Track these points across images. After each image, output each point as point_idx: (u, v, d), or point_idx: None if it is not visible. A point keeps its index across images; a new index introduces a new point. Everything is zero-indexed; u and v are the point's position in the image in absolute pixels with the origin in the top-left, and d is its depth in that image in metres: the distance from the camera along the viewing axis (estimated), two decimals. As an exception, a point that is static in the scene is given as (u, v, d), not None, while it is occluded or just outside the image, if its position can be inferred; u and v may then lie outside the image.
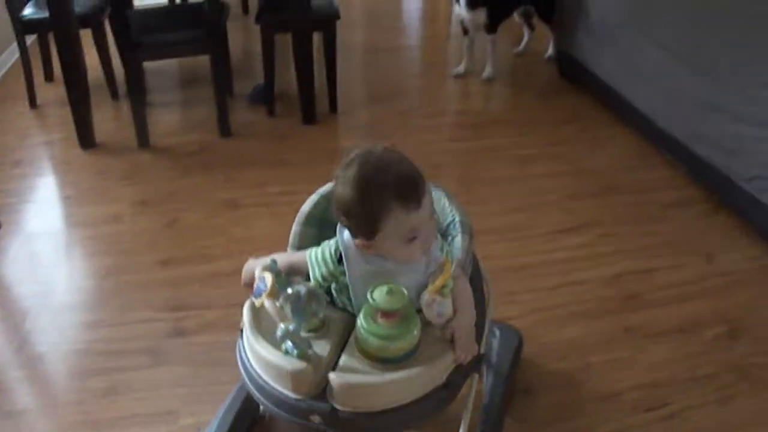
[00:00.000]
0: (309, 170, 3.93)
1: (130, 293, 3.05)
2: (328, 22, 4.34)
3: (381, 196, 1.69)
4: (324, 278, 1.87)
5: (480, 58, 5.30)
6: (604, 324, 2.93)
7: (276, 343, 1.70)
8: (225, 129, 4.26)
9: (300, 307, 1.69)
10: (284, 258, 1.92)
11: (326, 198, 2.07)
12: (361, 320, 1.73)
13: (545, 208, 3.70)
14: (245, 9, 6.30)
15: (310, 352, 1.68)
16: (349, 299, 1.89)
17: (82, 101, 4.03)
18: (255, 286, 1.75)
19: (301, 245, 2.04)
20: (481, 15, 4.97)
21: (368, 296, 1.69)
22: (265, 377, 1.73)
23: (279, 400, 1.69)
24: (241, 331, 1.85)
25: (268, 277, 1.73)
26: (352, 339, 1.78)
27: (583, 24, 4.81)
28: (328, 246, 1.87)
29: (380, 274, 1.78)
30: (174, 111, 4.64)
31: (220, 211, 3.58)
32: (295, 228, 2.11)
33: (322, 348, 1.75)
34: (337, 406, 1.65)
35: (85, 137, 4.13)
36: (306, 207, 2.13)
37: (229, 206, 3.61)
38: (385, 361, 1.71)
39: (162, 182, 3.81)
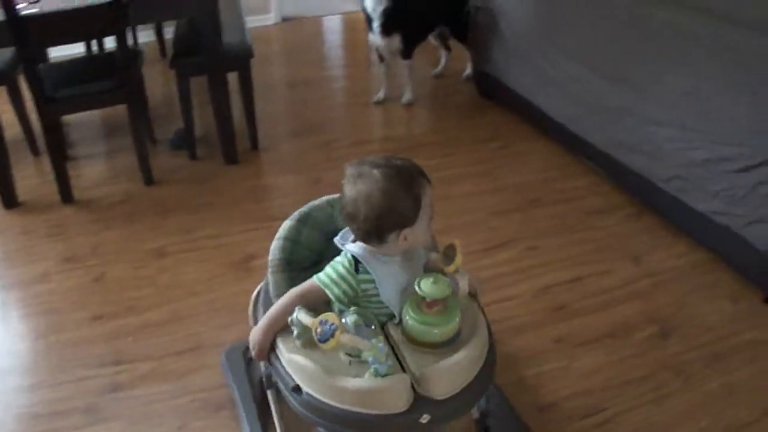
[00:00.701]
0: (233, 211, 3.92)
1: (63, 352, 2.99)
2: (241, 61, 4.34)
3: (414, 178, 1.88)
4: (345, 293, 1.93)
5: (399, 84, 5.35)
6: (535, 337, 2.96)
7: (355, 373, 1.80)
8: (148, 177, 4.22)
9: (364, 328, 1.83)
10: (296, 302, 1.95)
11: (290, 240, 2.17)
12: (410, 313, 1.89)
13: (471, 227, 3.73)
14: (163, 52, 6.25)
15: (391, 362, 1.79)
16: (374, 303, 1.97)
17: (1, 160, 3.98)
18: (318, 332, 1.76)
19: (281, 293, 2.06)
20: (396, 41, 5.00)
21: (416, 287, 1.85)
22: (367, 410, 1.77)
23: (388, 422, 1.76)
24: (297, 389, 1.87)
25: (330, 317, 1.76)
26: (398, 337, 1.92)
27: (497, 41, 4.89)
28: (339, 263, 1.95)
29: (398, 272, 1.95)
30: (97, 162, 4.59)
31: (147, 261, 3.54)
32: (272, 277, 2.15)
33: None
34: (438, 397, 1.78)
35: (7, 196, 4.06)
36: (277, 254, 2.17)
37: (156, 255, 3.57)
38: (440, 346, 1.88)
39: (87, 236, 3.76)
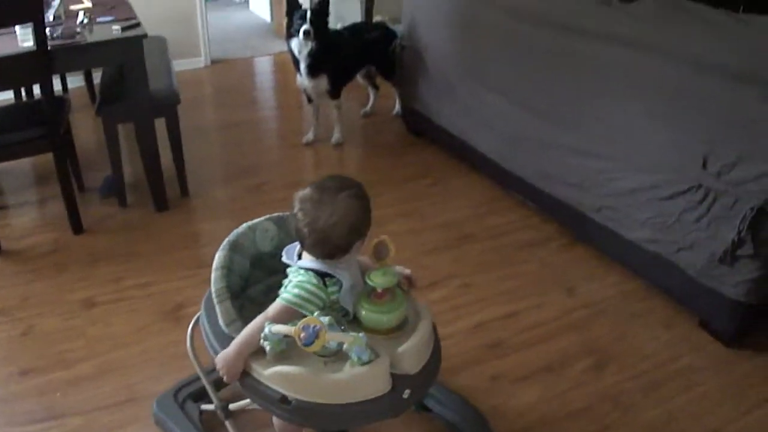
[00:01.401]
0: (163, 259, 3.85)
1: (-9, 410, 2.92)
2: (168, 107, 4.30)
3: (365, 193, 2.12)
4: (318, 307, 2.04)
5: (329, 124, 5.34)
6: (471, 376, 2.95)
7: (333, 370, 1.95)
8: (77, 226, 4.14)
9: (336, 327, 1.99)
10: (268, 319, 2.03)
11: (227, 269, 2.26)
12: (364, 306, 2.09)
13: (404, 266, 3.69)
14: (92, 98, 6.12)
15: (371, 350, 1.95)
16: (336, 308, 2.12)
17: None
18: (302, 337, 1.86)
19: (232, 319, 2.17)
20: (323, 82, 5.00)
21: (368, 281, 2.07)
22: (357, 398, 1.95)
23: (377, 404, 1.95)
24: (285, 400, 1.97)
25: (310, 320, 1.88)
26: (356, 331, 2.01)
27: (424, 79, 4.92)
28: (305, 282, 2.07)
29: (352, 275, 2.13)
30: (26, 211, 4.49)
31: (76, 312, 3.45)
32: (220, 306, 2.19)
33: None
34: (413, 372, 2.01)
35: (-70, 250, 3.98)
36: (219, 283, 2.23)
37: (86, 306, 3.49)
38: (394, 331, 2.10)
39: (15, 288, 3.66)
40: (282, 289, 2.12)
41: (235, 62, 7.47)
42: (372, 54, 5.37)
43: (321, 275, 2.07)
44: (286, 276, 2.16)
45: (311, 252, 2.09)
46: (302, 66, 4.93)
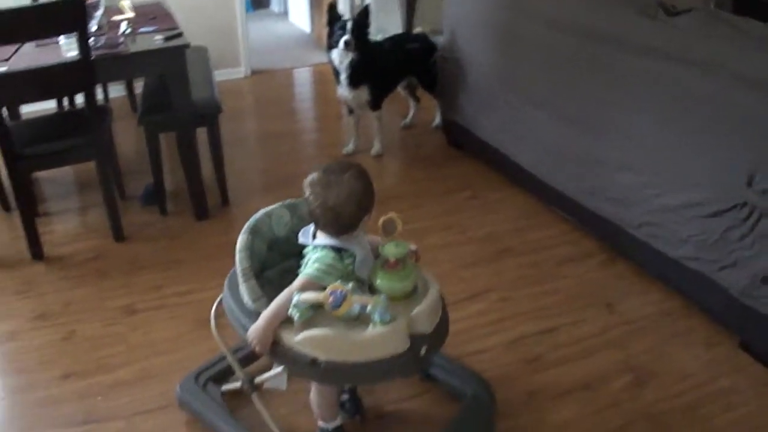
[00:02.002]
0: (204, 267, 3.88)
1: (32, 412, 2.93)
2: (210, 117, 4.35)
3: (367, 172, 2.35)
4: (339, 278, 2.23)
5: (369, 135, 5.35)
6: (508, 391, 2.92)
7: (360, 330, 2.15)
8: (118, 233, 4.19)
9: (358, 291, 2.21)
10: (291, 296, 2.21)
11: (249, 250, 2.42)
12: (379, 276, 2.27)
13: (441, 280, 3.56)
14: (134, 107, 6.20)
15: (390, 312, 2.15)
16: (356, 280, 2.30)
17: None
18: (330, 301, 2.09)
19: (258, 296, 2.36)
20: (364, 93, 5.02)
21: (382, 252, 2.26)
22: (379, 356, 2.15)
23: (398, 360, 2.16)
24: (314, 362, 2.16)
25: (337, 286, 2.11)
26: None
27: (464, 91, 4.92)
28: (325, 257, 2.28)
29: (363, 248, 2.33)
30: (68, 218, 4.54)
31: (117, 319, 3.49)
32: (246, 285, 2.37)
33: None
34: (428, 331, 2.23)
35: (-24, 254, 4.04)
36: (244, 263, 2.39)
37: (127, 312, 3.52)
38: (409, 296, 2.30)
39: (57, 294, 3.71)
40: (302, 267, 2.32)
41: (275, 73, 7.53)
42: (413, 65, 5.37)
43: (336, 250, 2.29)
44: (300, 259, 2.38)
45: (326, 230, 2.30)
46: (342, 77, 4.95)
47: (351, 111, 5.26)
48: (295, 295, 2.16)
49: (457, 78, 5.00)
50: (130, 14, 4.70)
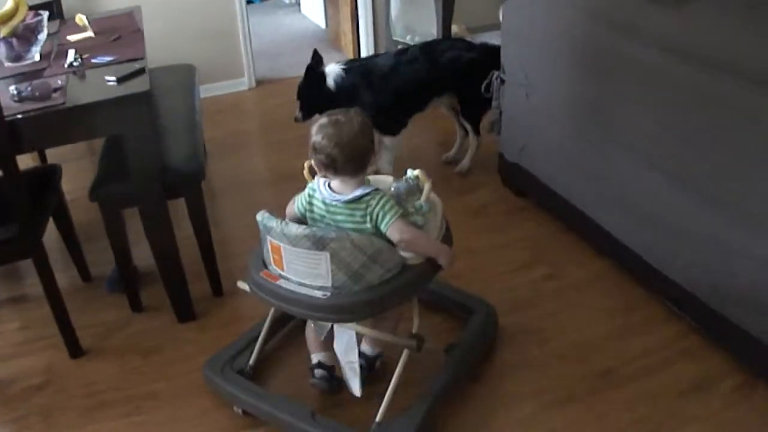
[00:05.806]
0: (186, 406, 2.85)
1: None
2: (190, 185, 3.21)
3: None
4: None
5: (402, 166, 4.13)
6: None
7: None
8: (74, 348, 3.13)
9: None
10: (404, 233, 2.41)
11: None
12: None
13: (519, 429, 2.64)
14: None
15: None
16: None
17: None
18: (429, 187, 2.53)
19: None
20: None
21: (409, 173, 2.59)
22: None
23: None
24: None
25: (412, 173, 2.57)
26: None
27: (528, 124, 3.81)
28: (380, 196, 2.38)
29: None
30: (10, 318, 3.45)
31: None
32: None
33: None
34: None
35: None
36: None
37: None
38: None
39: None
40: (374, 222, 2.38)
41: (284, 82, 6.15)
42: (450, 83, 4.26)
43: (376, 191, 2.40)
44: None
45: (345, 170, 2.36)
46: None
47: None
48: (417, 204, 2.48)
49: (518, 107, 3.84)
50: (90, 33, 3.65)
